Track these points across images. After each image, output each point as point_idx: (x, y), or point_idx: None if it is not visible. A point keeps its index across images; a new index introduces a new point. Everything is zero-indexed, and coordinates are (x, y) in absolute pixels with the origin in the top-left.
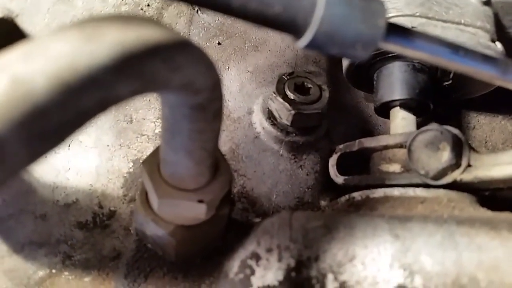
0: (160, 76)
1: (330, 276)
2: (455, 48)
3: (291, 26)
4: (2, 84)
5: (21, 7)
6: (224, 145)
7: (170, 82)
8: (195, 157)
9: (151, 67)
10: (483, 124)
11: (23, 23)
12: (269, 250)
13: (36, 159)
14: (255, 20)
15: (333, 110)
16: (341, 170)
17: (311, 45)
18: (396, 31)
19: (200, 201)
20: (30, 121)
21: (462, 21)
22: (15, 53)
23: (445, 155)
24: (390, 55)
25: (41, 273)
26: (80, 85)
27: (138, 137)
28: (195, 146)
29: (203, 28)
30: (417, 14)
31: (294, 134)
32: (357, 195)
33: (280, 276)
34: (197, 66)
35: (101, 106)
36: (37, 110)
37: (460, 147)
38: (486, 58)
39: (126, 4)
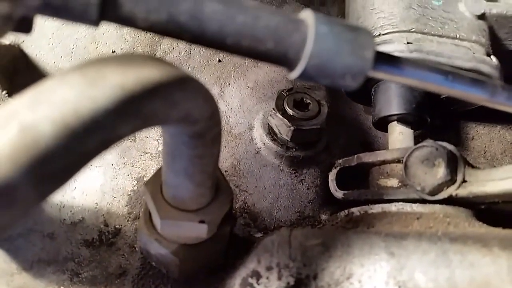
0: (159, 113)
1: None
2: (444, 74)
3: (283, 60)
4: (11, 132)
5: None
6: (226, 161)
7: (169, 117)
8: (196, 180)
9: (150, 106)
10: (482, 135)
11: (29, 48)
12: (269, 269)
13: (45, 198)
14: (249, 55)
15: (332, 123)
16: (340, 184)
17: (302, 77)
18: (384, 60)
19: (201, 222)
20: (38, 166)
21: (458, 36)
22: (22, 101)
23: (441, 171)
24: None
25: None
26: (84, 129)
27: (141, 155)
28: (195, 170)
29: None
30: (413, 29)
31: (294, 149)
32: (356, 210)
33: None
34: (194, 99)
35: (104, 146)
36: (44, 155)
37: (455, 163)
38: (475, 82)
39: None
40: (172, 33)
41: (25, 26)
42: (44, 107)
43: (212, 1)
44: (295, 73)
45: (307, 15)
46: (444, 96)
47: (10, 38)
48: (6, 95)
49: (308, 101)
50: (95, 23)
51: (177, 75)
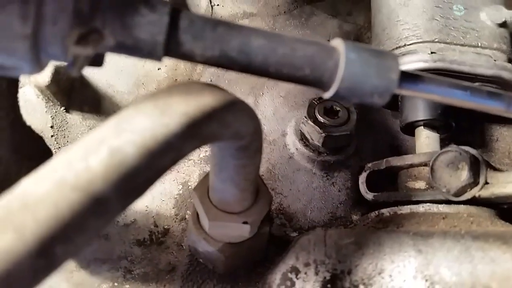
0: (215, 133)
1: None
2: (463, 89)
3: (318, 83)
4: (102, 155)
5: None
6: (262, 166)
7: (222, 136)
8: (240, 186)
9: (208, 129)
10: (506, 136)
11: None
12: (306, 265)
13: (128, 207)
14: (288, 80)
15: (361, 128)
16: (370, 186)
17: (335, 97)
18: (408, 79)
19: (245, 222)
20: (124, 182)
21: (479, 44)
22: (107, 129)
23: (464, 174)
24: None
25: (105, 286)
26: (160, 151)
27: (185, 161)
28: (240, 178)
29: None
30: (436, 40)
31: (326, 154)
32: (385, 211)
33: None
34: (242, 119)
35: (173, 163)
36: (129, 173)
37: (477, 167)
38: (492, 95)
39: None
40: (224, 65)
41: (98, 61)
42: (127, 134)
43: (257, 37)
44: (328, 94)
45: (338, 43)
46: None
47: None
48: (64, 110)
49: (338, 108)
50: (160, 59)
51: (228, 100)
